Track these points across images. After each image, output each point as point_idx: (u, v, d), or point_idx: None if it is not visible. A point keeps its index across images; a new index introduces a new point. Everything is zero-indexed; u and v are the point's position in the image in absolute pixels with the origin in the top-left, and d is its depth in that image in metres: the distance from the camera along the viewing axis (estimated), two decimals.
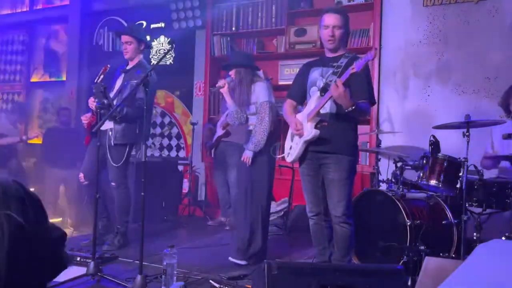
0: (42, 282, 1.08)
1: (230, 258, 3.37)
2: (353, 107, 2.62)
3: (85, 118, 3.81)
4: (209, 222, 4.88)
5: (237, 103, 3.45)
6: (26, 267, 1.01)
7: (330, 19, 2.89)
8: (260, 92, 3.41)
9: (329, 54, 2.95)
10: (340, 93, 2.56)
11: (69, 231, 5.48)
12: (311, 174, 2.94)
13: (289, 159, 2.96)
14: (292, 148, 2.93)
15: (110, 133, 3.69)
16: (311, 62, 3.09)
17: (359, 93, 2.77)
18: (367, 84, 2.84)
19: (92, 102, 3.67)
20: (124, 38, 3.85)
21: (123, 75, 3.81)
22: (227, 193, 4.75)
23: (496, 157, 3.61)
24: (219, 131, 4.67)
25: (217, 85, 3.52)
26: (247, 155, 3.37)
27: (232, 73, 3.51)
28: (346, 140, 2.84)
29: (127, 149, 3.73)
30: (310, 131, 2.79)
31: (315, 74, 2.93)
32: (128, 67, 3.88)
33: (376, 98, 4.69)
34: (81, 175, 3.81)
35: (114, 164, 3.67)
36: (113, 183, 3.76)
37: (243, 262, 3.32)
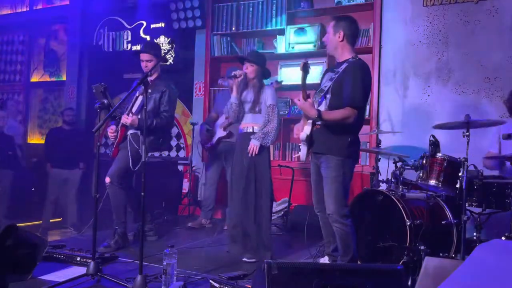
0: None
1: (244, 259, 3.44)
2: (318, 117, 2.85)
3: (112, 132, 3.80)
4: (190, 224, 4.77)
5: (245, 99, 3.57)
6: None
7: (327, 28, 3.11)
8: (269, 95, 3.55)
9: (337, 60, 3.13)
10: (300, 106, 2.90)
11: (69, 231, 5.49)
12: (315, 173, 3.14)
13: (300, 158, 3.16)
14: (301, 149, 3.16)
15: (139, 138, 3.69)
16: (328, 68, 3.38)
17: (344, 96, 2.92)
18: (352, 88, 2.89)
19: (112, 132, 3.78)
20: (144, 56, 3.88)
21: (141, 88, 3.75)
22: (214, 192, 4.76)
23: (497, 157, 3.61)
24: (220, 132, 4.66)
25: (234, 73, 3.56)
26: (255, 144, 3.45)
27: (249, 68, 3.56)
28: (336, 141, 2.97)
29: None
30: (302, 134, 3.01)
31: (325, 79, 3.16)
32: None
33: (376, 98, 4.75)
34: (107, 179, 3.76)
35: (132, 168, 3.63)
36: (108, 179, 3.72)
37: (253, 260, 3.43)
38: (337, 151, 2.95)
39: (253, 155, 3.46)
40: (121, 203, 3.78)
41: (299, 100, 2.88)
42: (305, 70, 2.93)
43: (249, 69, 3.56)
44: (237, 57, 3.80)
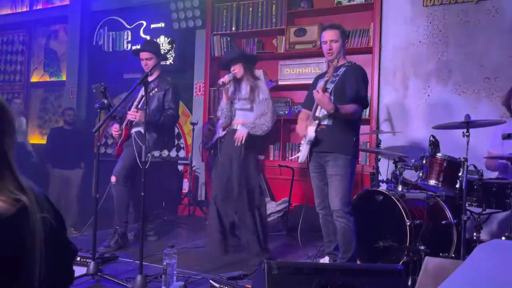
0: None
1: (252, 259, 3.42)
2: (334, 110, 2.89)
3: (116, 131, 3.79)
4: (207, 222, 4.83)
5: (237, 97, 3.56)
6: (52, 269, 1.04)
7: (327, 35, 3.16)
8: (262, 89, 3.53)
9: (334, 65, 3.20)
10: (319, 98, 2.91)
11: (69, 231, 5.49)
12: (317, 172, 3.18)
13: (299, 159, 3.21)
14: (301, 150, 3.20)
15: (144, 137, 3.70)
16: (320, 74, 3.42)
17: (348, 95, 3.03)
18: (356, 87, 3.03)
19: (116, 131, 3.80)
20: (144, 55, 3.88)
21: (143, 87, 3.73)
22: None
23: (496, 158, 3.61)
24: (220, 132, 4.67)
25: (222, 81, 3.49)
26: (242, 132, 3.43)
27: (236, 68, 3.53)
28: (343, 140, 3.05)
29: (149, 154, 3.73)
30: (309, 134, 3.06)
31: (320, 84, 3.18)
32: (149, 79, 3.88)
33: (376, 98, 4.75)
34: (113, 178, 3.76)
35: (141, 166, 3.64)
36: (113, 178, 3.71)
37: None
38: (345, 150, 3.03)
39: (239, 144, 3.41)
40: (125, 202, 3.77)
41: (318, 93, 2.91)
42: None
43: (236, 69, 3.54)
44: (223, 66, 3.75)
